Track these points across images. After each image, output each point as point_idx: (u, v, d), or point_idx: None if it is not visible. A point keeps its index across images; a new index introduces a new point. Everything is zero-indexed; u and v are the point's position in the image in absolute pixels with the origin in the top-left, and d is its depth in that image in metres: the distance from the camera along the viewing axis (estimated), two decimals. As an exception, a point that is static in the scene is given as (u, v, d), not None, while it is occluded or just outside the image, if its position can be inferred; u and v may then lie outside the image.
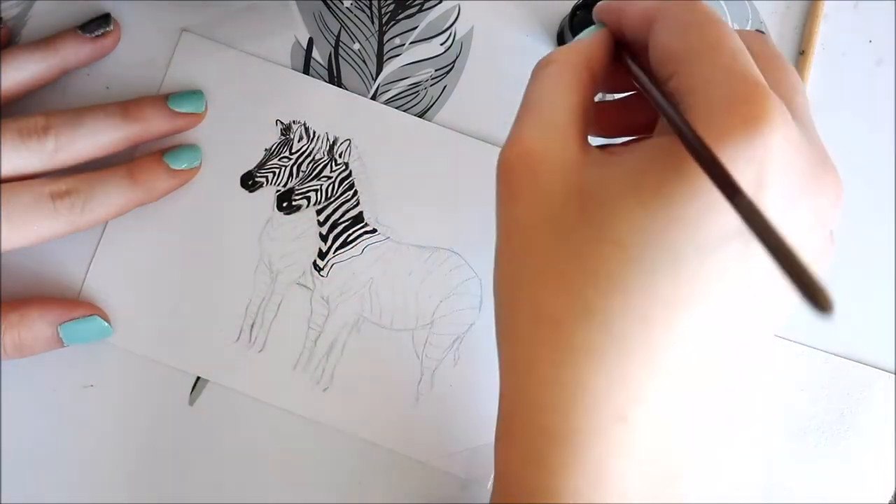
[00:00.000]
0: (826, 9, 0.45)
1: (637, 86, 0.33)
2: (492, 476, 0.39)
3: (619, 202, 0.28)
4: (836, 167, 0.29)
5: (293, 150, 0.44)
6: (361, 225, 0.44)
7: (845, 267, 0.44)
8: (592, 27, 0.35)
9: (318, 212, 0.44)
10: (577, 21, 0.42)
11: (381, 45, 0.45)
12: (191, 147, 0.43)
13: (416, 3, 0.45)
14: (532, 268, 0.29)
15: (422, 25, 0.45)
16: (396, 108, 0.44)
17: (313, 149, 0.44)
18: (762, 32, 0.33)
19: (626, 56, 0.33)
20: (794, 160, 0.27)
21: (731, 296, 0.28)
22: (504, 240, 0.31)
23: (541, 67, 0.33)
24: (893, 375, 0.44)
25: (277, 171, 0.44)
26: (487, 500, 0.40)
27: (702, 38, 0.28)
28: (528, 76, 0.34)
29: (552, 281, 0.29)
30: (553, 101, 0.31)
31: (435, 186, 0.44)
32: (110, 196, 0.40)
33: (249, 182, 0.44)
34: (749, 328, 0.29)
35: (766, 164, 0.26)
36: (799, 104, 0.30)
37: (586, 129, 0.32)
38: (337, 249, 0.44)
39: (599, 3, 0.35)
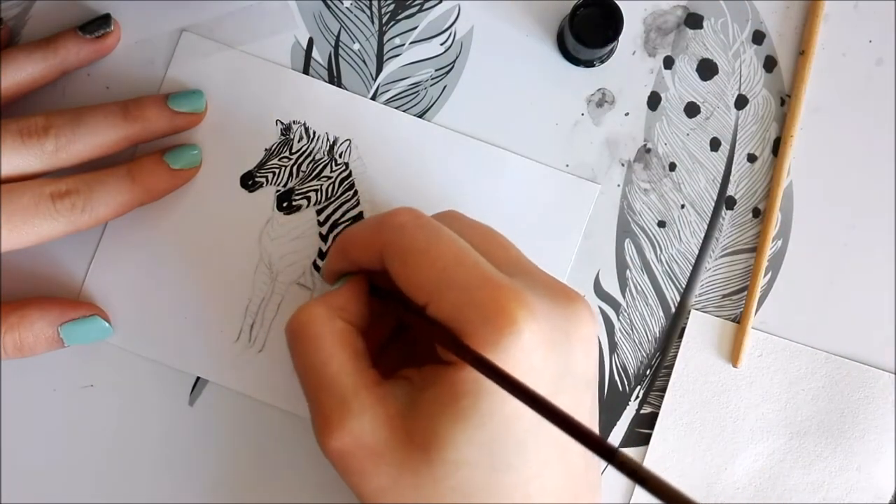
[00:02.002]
0: (826, 9, 0.45)
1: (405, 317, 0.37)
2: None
3: (451, 435, 0.32)
4: (577, 297, 0.35)
5: (293, 151, 0.44)
6: (361, 225, 0.44)
7: (845, 267, 0.44)
8: (340, 280, 0.38)
9: (318, 212, 0.44)
10: (577, 21, 0.42)
11: (381, 45, 0.45)
12: (191, 147, 0.43)
13: (416, 3, 0.45)
14: None
15: (422, 25, 0.45)
16: (396, 108, 0.44)
17: (313, 149, 0.44)
18: (452, 212, 0.38)
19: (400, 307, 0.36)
20: (546, 333, 0.32)
21: (558, 455, 0.34)
22: (362, 493, 0.34)
23: (299, 333, 0.35)
24: (893, 375, 0.44)
25: (277, 171, 0.44)
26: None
27: (432, 265, 0.33)
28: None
29: None
30: (335, 371, 0.34)
31: (435, 186, 0.44)
32: (110, 196, 0.40)
33: (249, 182, 0.44)
34: (576, 477, 0.35)
35: (530, 350, 0.32)
36: (514, 257, 0.36)
37: (370, 368, 0.35)
38: (337, 249, 0.44)
39: (329, 250, 0.39)
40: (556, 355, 0.33)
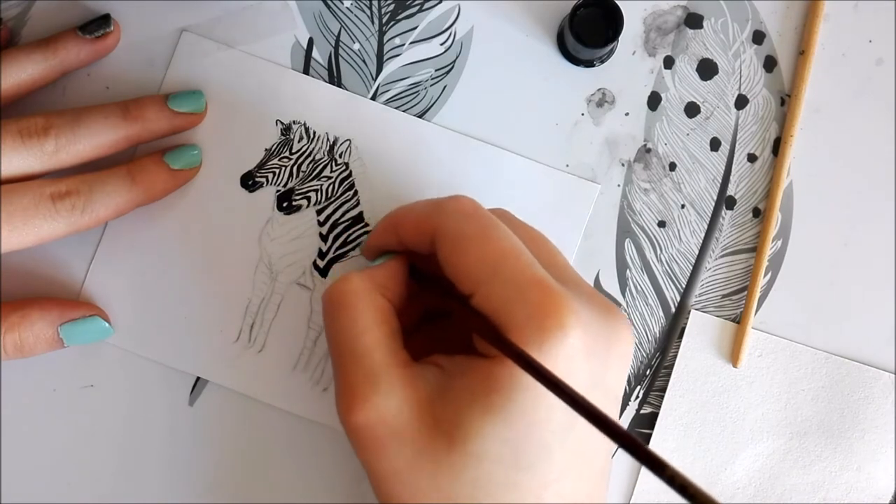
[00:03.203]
0: (826, 9, 0.45)
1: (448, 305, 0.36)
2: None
3: (478, 427, 0.32)
4: (619, 313, 0.35)
5: (293, 151, 0.44)
6: (361, 225, 0.44)
7: (845, 267, 0.44)
8: (382, 257, 0.38)
9: (319, 212, 0.44)
10: (577, 21, 0.42)
11: (381, 45, 0.45)
12: (191, 147, 0.43)
13: (416, 3, 0.45)
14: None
15: (422, 25, 0.45)
16: (396, 108, 0.44)
17: (313, 149, 0.44)
18: (504, 210, 0.38)
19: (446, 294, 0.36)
20: (588, 342, 0.32)
21: (579, 464, 0.34)
22: (378, 486, 0.34)
23: (337, 301, 0.35)
24: (893, 375, 0.44)
25: (277, 171, 0.44)
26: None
27: (485, 255, 0.33)
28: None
29: None
30: (368, 345, 0.34)
31: (435, 186, 0.44)
32: (110, 197, 0.40)
33: (249, 182, 0.44)
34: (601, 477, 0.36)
35: (571, 356, 0.32)
36: (562, 264, 0.36)
37: (402, 348, 0.35)
38: (337, 249, 0.44)
39: (375, 229, 0.39)
40: (594, 366, 0.33)
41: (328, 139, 0.44)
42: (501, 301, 0.32)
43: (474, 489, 0.32)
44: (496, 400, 0.32)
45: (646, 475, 0.44)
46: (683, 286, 0.44)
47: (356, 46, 0.45)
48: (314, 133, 0.44)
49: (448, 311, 0.39)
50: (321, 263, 0.44)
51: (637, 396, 0.44)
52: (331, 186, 0.44)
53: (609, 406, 0.35)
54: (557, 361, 0.31)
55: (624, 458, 0.44)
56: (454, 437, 0.32)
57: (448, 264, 0.34)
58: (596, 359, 0.33)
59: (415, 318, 0.40)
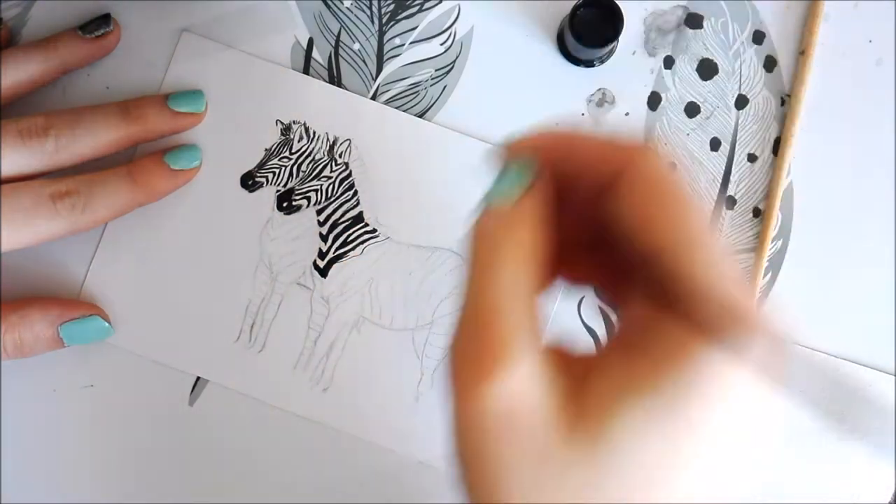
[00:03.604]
0: (826, 9, 0.45)
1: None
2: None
3: (623, 421, 0.26)
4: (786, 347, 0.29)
5: (293, 150, 0.44)
6: (361, 225, 0.44)
7: (846, 268, 0.44)
8: (521, 168, 0.30)
9: (318, 212, 0.44)
10: (577, 21, 0.42)
11: (381, 45, 0.45)
12: (191, 147, 0.43)
13: (416, 3, 0.45)
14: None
15: (422, 25, 0.45)
16: (396, 108, 0.44)
17: (313, 149, 0.44)
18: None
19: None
20: (766, 359, 0.28)
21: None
22: (490, 481, 0.27)
23: (501, 244, 0.28)
24: (893, 377, 0.44)
25: (277, 171, 0.44)
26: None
27: (689, 217, 0.27)
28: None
29: None
30: (521, 308, 0.27)
31: (435, 186, 0.44)
32: (111, 197, 0.40)
33: (249, 182, 0.44)
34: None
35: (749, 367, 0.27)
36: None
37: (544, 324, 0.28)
38: (337, 249, 0.44)
39: (536, 136, 0.30)
40: (756, 389, 0.29)
41: (328, 139, 0.44)
42: (701, 268, 0.26)
43: (611, 490, 0.26)
44: (660, 400, 0.26)
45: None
46: (683, 286, 0.44)
47: (356, 46, 0.45)
48: (314, 133, 0.44)
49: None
50: (321, 263, 0.44)
51: (637, 396, 0.44)
52: (331, 186, 0.44)
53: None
54: (740, 364, 0.27)
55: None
56: (597, 436, 0.26)
57: (636, 210, 0.27)
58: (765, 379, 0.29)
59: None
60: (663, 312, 0.26)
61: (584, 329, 0.44)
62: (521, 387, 0.26)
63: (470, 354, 0.26)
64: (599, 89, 0.45)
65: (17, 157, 0.38)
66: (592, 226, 0.30)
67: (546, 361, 0.27)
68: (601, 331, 0.44)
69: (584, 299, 0.44)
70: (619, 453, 0.26)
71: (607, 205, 0.28)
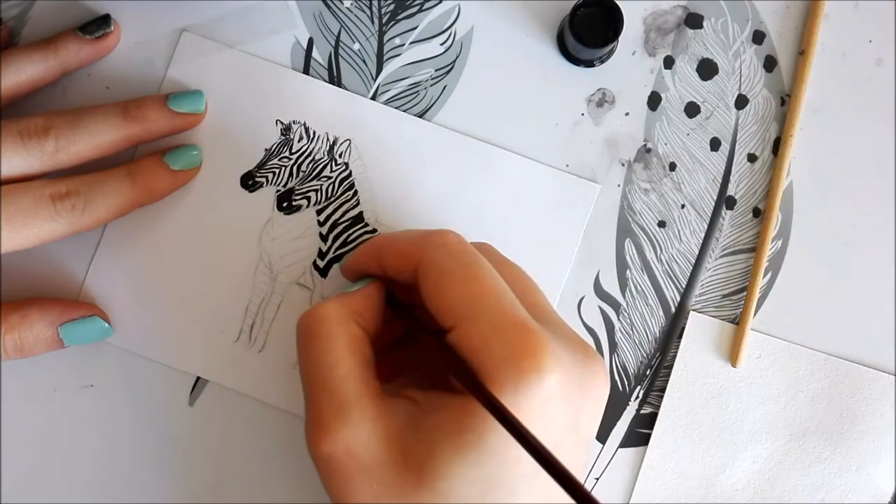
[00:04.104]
0: (826, 9, 0.45)
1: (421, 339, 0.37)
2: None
3: (447, 465, 0.31)
4: (595, 356, 0.35)
5: (293, 150, 0.44)
6: (361, 225, 0.44)
7: (845, 267, 0.44)
8: (361, 281, 0.38)
9: (318, 212, 0.44)
10: (577, 21, 0.42)
11: (381, 45, 0.45)
12: (191, 147, 0.43)
13: (416, 3, 0.45)
14: None
15: (422, 25, 0.45)
16: (396, 108, 0.44)
17: (313, 149, 0.44)
18: (488, 246, 0.38)
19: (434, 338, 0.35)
20: (566, 385, 0.32)
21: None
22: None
23: (311, 330, 0.35)
24: (893, 377, 0.44)
25: (277, 171, 0.44)
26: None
27: (468, 293, 0.33)
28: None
29: None
30: (341, 375, 0.33)
31: (435, 186, 0.44)
32: (111, 197, 0.40)
33: (249, 182, 0.44)
34: None
35: (548, 399, 0.32)
36: (541, 304, 0.36)
37: (375, 378, 0.35)
38: (337, 249, 0.44)
39: (356, 251, 0.39)
40: (569, 410, 0.33)
41: (328, 139, 0.44)
42: (480, 340, 0.32)
43: None
44: (468, 439, 0.31)
45: (645, 475, 0.44)
46: (683, 286, 0.44)
47: (356, 46, 0.45)
48: (314, 133, 0.44)
49: (419, 336, 0.39)
50: (321, 263, 0.44)
51: (637, 396, 0.44)
52: (331, 186, 0.44)
53: (579, 452, 0.35)
54: (533, 405, 0.31)
55: (624, 458, 0.44)
56: (423, 474, 0.32)
57: (430, 298, 0.34)
58: (573, 402, 0.33)
59: (387, 342, 0.39)
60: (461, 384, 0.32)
61: (584, 329, 0.44)
62: (352, 435, 0.32)
63: (311, 415, 0.34)
64: (599, 89, 0.45)
65: (16, 158, 0.38)
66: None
67: (372, 414, 0.33)
68: (601, 331, 0.44)
69: (584, 299, 0.44)
70: (440, 492, 0.31)
71: (419, 297, 0.35)
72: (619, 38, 0.43)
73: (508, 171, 0.44)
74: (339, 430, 0.32)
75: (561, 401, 0.32)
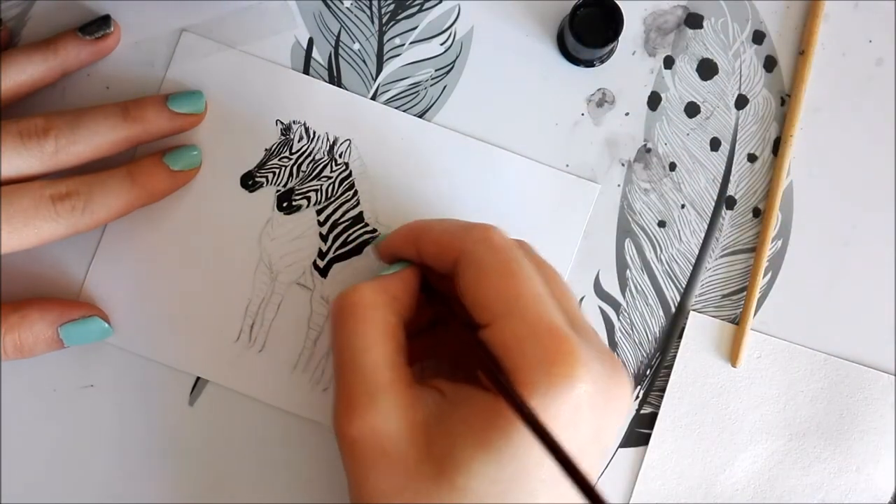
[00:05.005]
0: (826, 9, 0.45)
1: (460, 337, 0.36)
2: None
3: (469, 461, 0.31)
4: (622, 367, 0.35)
5: (293, 150, 0.44)
6: (361, 225, 0.44)
7: (845, 267, 0.44)
8: (396, 264, 0.38)
9: (319, 212, 0.44)
10: (577, 21, 0.42)
11: (381, 45, 0.45)
12: (191, 148, 0.43)
13: (416, 3, 0.45)
14: None
15: (422, 25, 0.45)
16: (396, 108, 0.44)
17: (313, 149, 0.44)
18: (526, 244, 0.38)
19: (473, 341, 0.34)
20: (593, 395, 0.32)
21: None
22: (357, 502, 0.34)
23: (347, 312, 0.35)
24: (893, 377, 0.44)
25: (277, 171, 0.44)
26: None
27: (506, 291, 0.33)
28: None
29: None
30: (374, 360, 0.34)
31: (435, 186, 0.44)
32: (111, 198, 0.40)
33: (249, 182, 0.44)
34: None
35: (577, 407, 0.32)
36: (573, 310, 0.36)
37: (407, 365, 0.35)
38: (337, 249, 0.44)
39: (394, 234, 0.38)
40: (594, 420, 0.33)
41: (328, 139, 0.44)
42: (515, 340, 0.32)
43: None
44: (492, 437, 0.32)
45: (645, 475, 0.44)
46: (683, 286, 0.44)
47: (356, 46, 0.45)
48: (314, 133, 0.44)
49: (448, 325, 0.39)
50: (321, 263, 0.44)
51: (637, 396, 0.44)
52: (331, 186, 0.44)
53: (598, 461, 0.35)
54: (562, 411, 0.31)
55: (624, 458, 0.44)
56: (444, 467, 0.32)
57: (467, 291, 0.34)
58: (598, 412, 0.33)
59: (415, 326, 0.39)
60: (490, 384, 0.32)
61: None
62: (380, 421, 0.32)
63: (340, 396, 0.34)
64: (599, 89, 0.45)
65: (16, 159, 0.38)
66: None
67: (402, 403, 0.33)
68: (601, 331, 0.44)
69: (584, 299, 0.44)
70: (459, 488, 0.31)
71: (455, 289, 0.35)
72: (619, 38, 0.43)
73: (508, 171, 0.44)
74: (368, 413, 0.33)
75: (588, 410, 0.32)
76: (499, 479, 0.32)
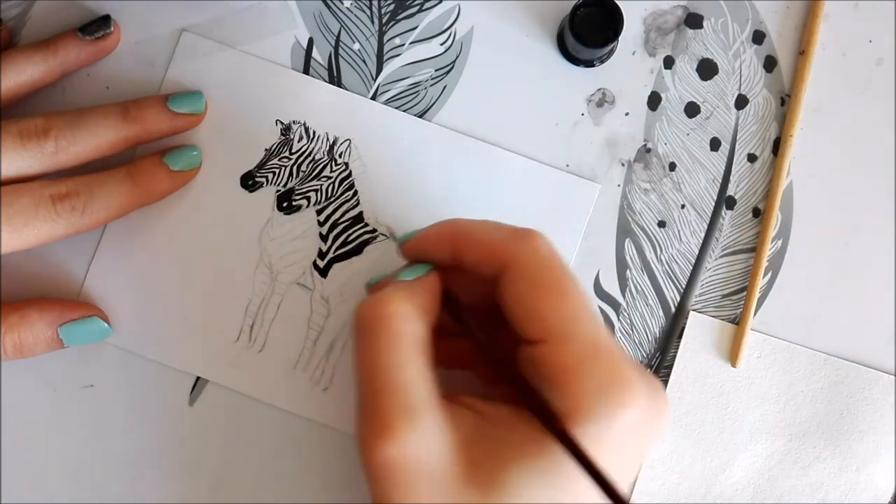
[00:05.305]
0: (826, 9, 0.45)
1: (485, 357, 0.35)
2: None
3: (518, 485, 0.30)
4: (661, 386, 0.34)
5: (293, 150, 0.44)
6: (361, 225, 0.44)
7: (845, 267, 0.44)
8: (419, 266, 0.35)
9: (318, 212, 0.44)
10: (577, 21, 0.42)
11: (381, 45, 0.45)
12: (190, 148, 0.43)
13: (416, 3, 0.45)
14: None
15: (422, 25, 0.45)
16: (396, 108, 0.44)
17: (313, 149, 0.44)
18: None
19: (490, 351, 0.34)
20: (640, 419, 0.31)
21: None
22: None
23: (377, 325, 0.32)
24: (893, 377, 0.44)
25: (277, 171, 0.44)
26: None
27: (563, 309, 0.32)
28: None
29: None
30: (410, 378, 0.31)
31: (435, 186, 0.44)
32: (110, 198, 0.40)
33: (249, 182, 0.44)
34: None
35: (626, 432, 0.31)
36: (605, 328, 0.34)
37: (437, 380, 0.33)
38: (337, 249, 0.44)
39: (429, 232, 0.36)
40: (638, 444, 0.32)
41: (328, 139, 0.44)
42: (575, 362, 0.31)
43: None
44: (542, 464, 0.30)
45: (645, 475, 0.44)
46: (683, 286, 0.44)
47: (356, 46, 0.45)
48: (314, 133, 0.44)
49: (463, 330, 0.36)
50: (321, 263, 0.44)
51: (637, 396, 0.44)
52: (331, 186, 0.44)
53: (633, 483, 0.34)
54: (613, 435, 0.31)
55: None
56: (491, 489, 0.30)
57: (517, 304, 0.33)
58: (642, 436, 0.32)
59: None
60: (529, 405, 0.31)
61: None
62: (421, 441, 0.30)
63: (371, 417, 0.31)
64: (599, 89, 0.45)
65: (16, 159, 0.38)
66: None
67: (442, 422, 0.31)
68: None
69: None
70: (508, 499, 0.30)
71: (498, 296, 0.33)
72: (619, 38, 0.43)
73: (508, 171, 0.44)
74: (405, 434, 0.30)
75: (635, 435, 0.32)
76: (542, 494, 0.30)
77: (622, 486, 0.28)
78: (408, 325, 0.32)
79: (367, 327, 0.32)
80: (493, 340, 0.34)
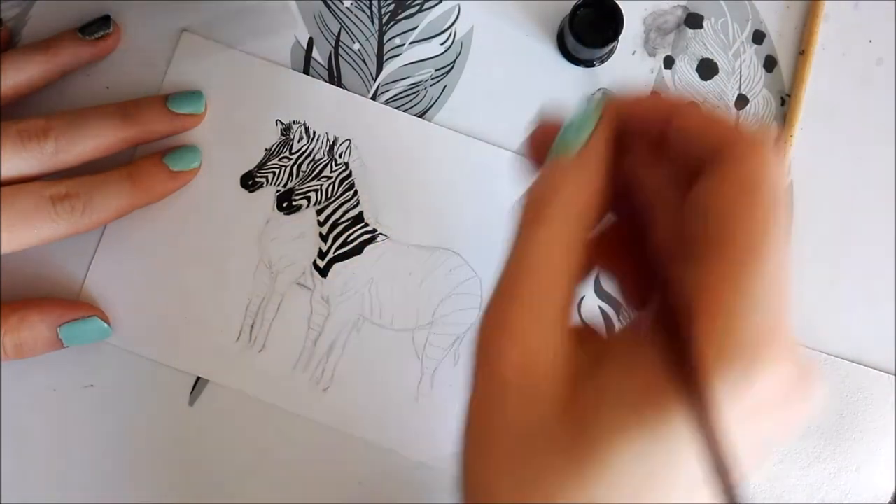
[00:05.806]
0: (826, 9, 0.45)
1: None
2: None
3: (615, 434, 0.25)
4: (815, 371, 0.27)
5: (293, 150, 0.44)
6: (361, 225, 0.44)
7: (846, 268, 0.44)
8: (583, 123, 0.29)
9: (318, 212, 0.44)
10: (577, 21, 0.42)
11: (381, 45, 0.45)
12: (190, 148, 0.43)
13: (416, 3, 0.45)
14: (515, 478, 0.26)
15: (422, 25, 0.45)
16: (396, 108, 0.44)
17: (313, 149, 0.44)
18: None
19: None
20: (786, 389, 0.25)
21: None
22: (483, 436, 0.27)
23: (535, 224, 0.28)
24: (893, 377, 0.44)
25: (277, 171, 0.44)
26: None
27: (764, 230, 0.27)
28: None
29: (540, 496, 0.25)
30: (552, 295, 0.27)
31: (435, 186, 0.44)
32: (110, 199, 0.40)
33: (249, 182, 0.44)
34: None
35: (768, 398, 0.25)
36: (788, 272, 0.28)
37: (574, 303, 0.28)
38: (337, 249, 0.44)
39: (639, 99, 0.31)
40: (773, 420, 0.26)
41: (328, 139, 0.44)
42: (738, 293, 0.25)
43: (589, 495, 0.25)
44: (646, 420, 0.25)
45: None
46: (683, 286, 0.44)
47: (356, 46, 0.44)
48: (314, 133, 0.44)
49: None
50: (321, 263, 0.44)
51: (637, 396, 0.44)
52: (331, 186, 0.44)
53: (756, 469, 0.27)
54: (750, 400, 0.24)
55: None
56: (586, 430, 0.25)
57: (732, 199, 0.27)
58: (784, 412, 0.26)
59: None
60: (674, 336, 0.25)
61: (584, 329, 0.44)
62: (532, 357, 0.26)
63: (498, 309, 0.27)
64: (599, 89, 0.45)
65: (16, 160, 0.38)
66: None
67: (565, 340, 0.27)
68: (601, 330, 0.44)
69: (584, 299, 0.44)
70: (598, 459, 0.25)
71: (694, 186, 0.27)
72: (619, 38, 0.43)
73: (509, 171, 0.44)
74: (526, 336, 0.26)
75: (776, 406, 0.26)
76: (637, 474, 0.25)
77: (740, 472, 0.23)
78: (562, 233, 0.27)
79: (526, 222, 0.28)
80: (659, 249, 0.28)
